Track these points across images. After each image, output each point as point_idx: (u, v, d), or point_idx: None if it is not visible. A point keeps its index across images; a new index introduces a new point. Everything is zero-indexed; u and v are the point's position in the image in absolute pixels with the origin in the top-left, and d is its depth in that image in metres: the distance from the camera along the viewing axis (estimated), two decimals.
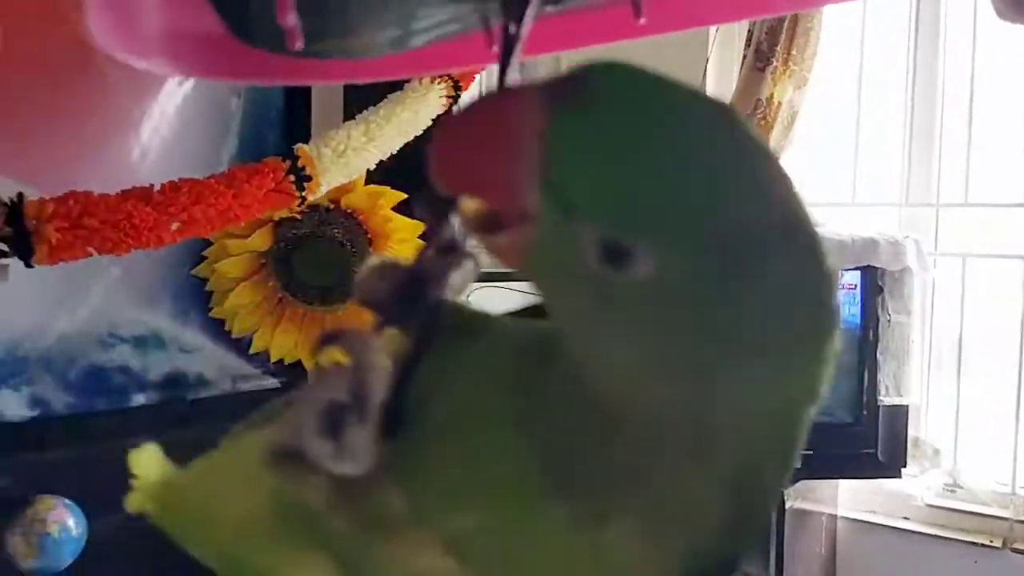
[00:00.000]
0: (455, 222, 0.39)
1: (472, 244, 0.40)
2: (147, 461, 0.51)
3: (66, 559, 1.51)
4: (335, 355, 0.37)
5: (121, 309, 1.63)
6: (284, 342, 1.75)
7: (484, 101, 0.34)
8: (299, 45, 0.48)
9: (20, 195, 1.16)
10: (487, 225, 0.34)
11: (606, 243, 0.29)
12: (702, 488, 0.33)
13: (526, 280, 0.33)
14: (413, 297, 0.39)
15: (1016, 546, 1.99)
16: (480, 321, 0.39)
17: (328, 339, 0.38)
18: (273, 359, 1.73)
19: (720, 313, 0.29)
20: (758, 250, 0.29)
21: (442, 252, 0.40)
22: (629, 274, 0.29)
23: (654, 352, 0.30)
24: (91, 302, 1.59)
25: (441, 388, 0.36)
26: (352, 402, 0.34)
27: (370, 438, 0.34)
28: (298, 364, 1.78)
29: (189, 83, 1.66)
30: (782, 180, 0.30)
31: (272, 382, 1.85)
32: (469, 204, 0.35)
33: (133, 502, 0.49)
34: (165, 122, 1.64)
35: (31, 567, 1.49)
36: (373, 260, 0.41)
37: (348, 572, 0.37)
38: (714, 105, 0.31)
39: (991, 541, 2.01)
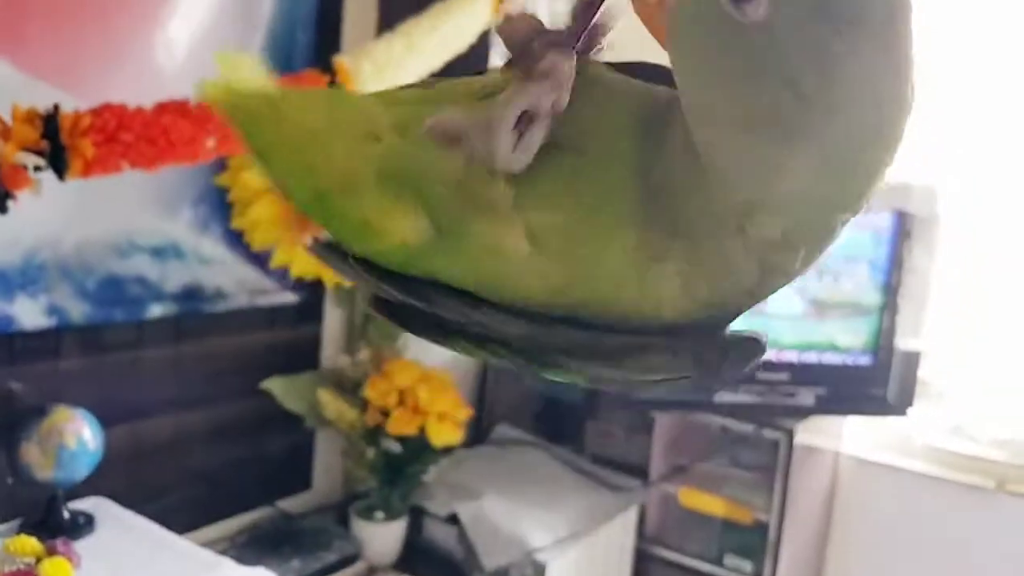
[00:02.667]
0: None
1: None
2: (239, 63, 0.48)
3: (82, 471, 1.49)
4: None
5: (141, 217, 1.56)
6: (305, 258, 1.69)
7: None
8: None
9: (56, 107, 1.09)
10: None
11: None
12: (740, 258, 0.39)
13: (662, 40, 0.39)
14: (552, 43, 0.42)
15: (1009, 488, 2.05)
16: (614, 75, 0.45)
17: (530, 48, 0.43)
18: (293, 275, 1.68)
19: (812, 74, 0.32)
20: (866, 27, 0.31)
21: (587, 5, 0.44)
22: (747, 11, 0.32)
23: (749, 102, 0.34)
24: (111, 210, 1.52)
25: (574, 115, 0.41)
26: (542, 111, 0.40)
27: (539, 143, 0.40)
28: (317, 281, 1.74)
29: None
30: None
31: (290, 297, 1.81)
32: None
33: (214, 91, 0.47)
34: (194, 19, 1.54)
35: (48, 478, 1.47)
36: (513, 8, 0.44)
37: (440, 227, 0.43)
38: None
39: (986, 483, 2.06)
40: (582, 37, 0.44)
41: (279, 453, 1.88)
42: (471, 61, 1.54)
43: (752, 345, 0.42)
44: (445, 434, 1.80)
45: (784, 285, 0.41)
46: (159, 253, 1.61)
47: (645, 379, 0.45)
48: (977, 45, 2.05)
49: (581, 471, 2.13)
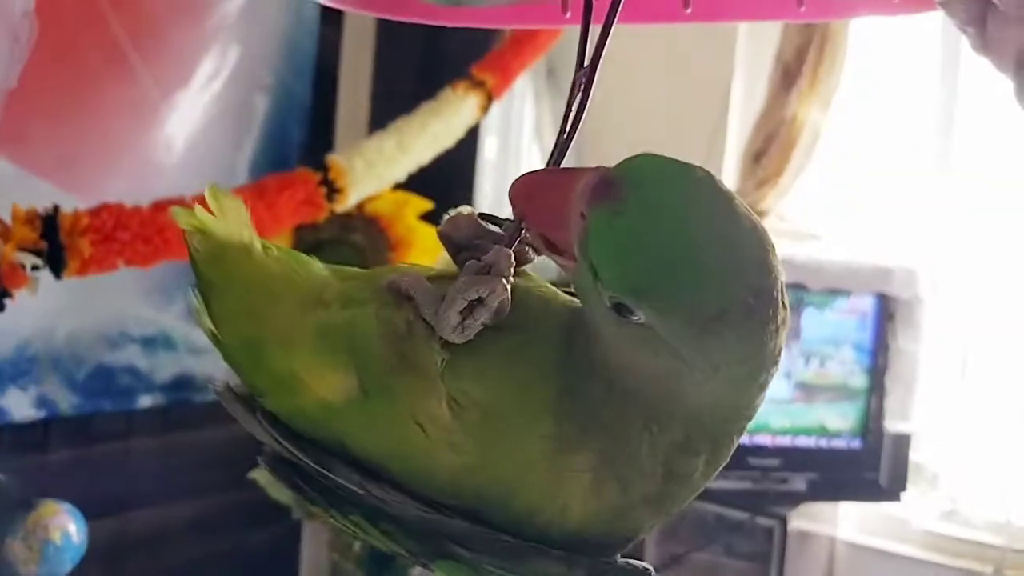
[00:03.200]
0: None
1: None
2: (225, 201, 0.50)
3: (67, 566, 1.47)
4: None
5: (134, 308, 1.58)
6: None
7: (558, 172, 0.45)
8: None
9: (56, 208, 1.11)
10: (548, 245, 0.45)
11: (615, 301, 0.39)
12: (647, 456, 0.42)
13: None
14: (493, 241, 0.47)
15: (1007, 574, 2.02)
16: (542, 282, 0.50)
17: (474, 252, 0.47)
18: None
19: (690, 351, 0.40)
20: (726, 320, 0.38)
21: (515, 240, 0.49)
22: (631, 319, 0.39)
23: (641, 358, 0.41)
24: (104, 301, 1.54)
25: (514, 308, 0.45)
26: (488, 300, 0.44)
27: (480, 326, 0.44)
28: None
29: (217, 81, 1.61)
30: (759, 258, 0.39)
31: None
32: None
33: (189, 219, 0.48)
34: (192, 118, 1.59)
35: (31, 574, 1.45)
36: (459, 209, 0.50)
37: (366, 387, 0.45)
38: (717, 198, 0.40)
39: (983, 568, 2.04)
40: (515, 243, 0.47)
41: (265, 546, 1.86)
42: (459, 155, 1.58)
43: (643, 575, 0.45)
44: None
45: (685, 498, 0.45)
46: (150, 343, 1.62)
47: None
48: (954, 129, 2.12)
49: None
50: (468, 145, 1.64)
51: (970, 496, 2.13)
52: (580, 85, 0.47)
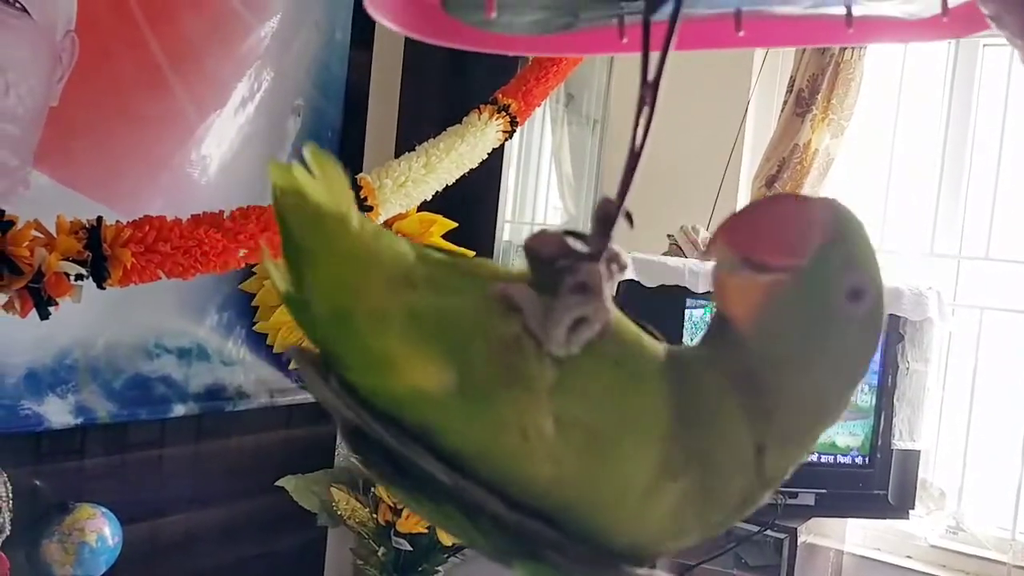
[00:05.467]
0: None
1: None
2: (325, 165, 0.48)
3: (101, 569, 1.53)
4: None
5: (169, 320, 1.64)
6: None
7: (780, 201, 0.49)
8: (493, 15, 0.63)
9: (99, 219, 1.17)
10: (751, 265, 0.45)
11: (856, 286, 0.44)
12: (736, 486, 0.44)
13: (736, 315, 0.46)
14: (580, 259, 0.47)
15: None
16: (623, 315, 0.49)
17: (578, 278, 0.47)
18: None
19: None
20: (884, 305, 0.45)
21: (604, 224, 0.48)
22: (860, 307, 0.43)
23: (825, 358, 0.45)
24: (141, 313, 1.60)
25: (615, 337, 0.46)
26: (592, 320, 0.45)
27: (585, 341, 0.44)
28: None
29: (252, 104, 1.67)
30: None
31: (308, 396, 1.87)
32: (725, 252, 0.46)
33: (287, 177, 0.46)
34: (227, 138, 1.66)
35: (67, 575, 1.50)
36: (544, 229, 0.49)
37: (466, 387, 0.44)
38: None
39: None
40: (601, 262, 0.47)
41: (291, 552, 1.91)
42: (483, 177, 1.64)
43: None
44: None
45: (770, 492, 0.47)
46: (185, 354, 1.68)
47: None
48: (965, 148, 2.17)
49: None
50: (492, 168, 1.70)
51: (976, 513, 2.17)
52: (645, 103, 0.50)
